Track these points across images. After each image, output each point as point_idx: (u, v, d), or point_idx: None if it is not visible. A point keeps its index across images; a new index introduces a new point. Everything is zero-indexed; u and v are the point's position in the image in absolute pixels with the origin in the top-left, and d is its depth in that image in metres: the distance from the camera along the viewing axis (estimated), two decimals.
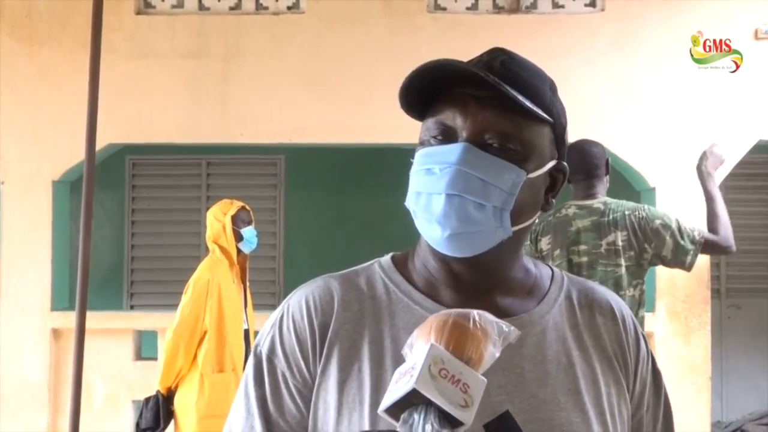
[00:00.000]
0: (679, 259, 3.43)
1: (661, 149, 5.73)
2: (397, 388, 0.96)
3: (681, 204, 5.43)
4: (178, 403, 4.43)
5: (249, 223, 4.58)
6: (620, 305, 1.25)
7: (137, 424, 4.54)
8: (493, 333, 1.00)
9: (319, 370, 1.14)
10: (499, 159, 1.10)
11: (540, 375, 1.13)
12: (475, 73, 1.09)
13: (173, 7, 5.94)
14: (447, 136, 1.12)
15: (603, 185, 3.56)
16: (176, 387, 4.44)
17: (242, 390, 1.18)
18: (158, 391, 4.44)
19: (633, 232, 3.42)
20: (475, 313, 1.01)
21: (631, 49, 5.77)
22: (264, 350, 1.17)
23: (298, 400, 1.14)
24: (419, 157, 1.13)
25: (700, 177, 3.68)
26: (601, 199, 3.51)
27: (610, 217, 3.43)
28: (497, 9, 5.89)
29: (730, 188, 7.24)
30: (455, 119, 1.11)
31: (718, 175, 5.69)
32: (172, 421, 4.48)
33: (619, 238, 3.41)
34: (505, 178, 1.10)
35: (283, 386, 1.15)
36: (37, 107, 5.84)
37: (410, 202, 1.14)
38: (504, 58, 1.14)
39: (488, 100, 1.10)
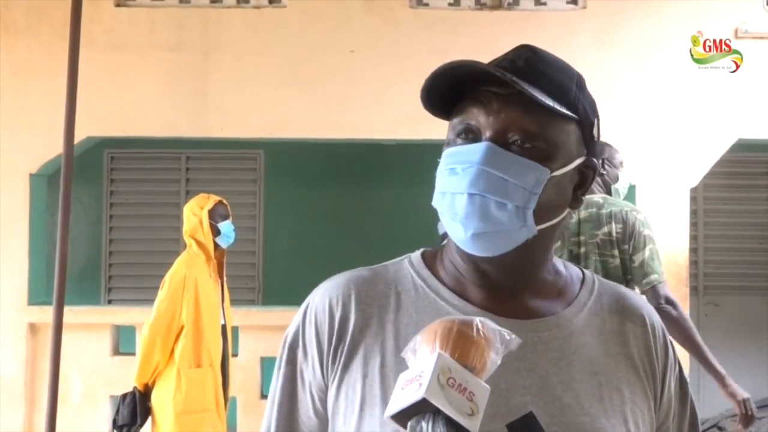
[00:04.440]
0: (642, 272, 3.44)
1: (640, 146, 5.75)
2: (404, 395, 0.95)
3: (659, 200, 5.45)
4: (156, 399, 4.40)
5: (226, 218, 4.57)
6: (650, 313, 1.24)
7: (114, 421, 4.50)
8: (496, 341, 1.00)
9: (339, 366, 1.14)
10: (523, 158, 1.09)
11: (565, 379, 1.12)
12: (493, 73, 1.08)
13: None
14: (471, 135, 1.12)
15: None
16: (153, 383, 4.41)
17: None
18: (135, 387, 4.41)
19: (628, 225, 3.47)
20: (478, 320, 1.01)
21: (612, 47, 5.79)
22: (288, 341, 1.21)
23: (314, 394, 1.17)
24: (444, 157, 1.13)
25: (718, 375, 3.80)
26: (601, 194, 3.59)
27: (608, 209, 3.50)
28: (479, 5, 5.89)
29: (708, 187, 7.30)
30: (479, 118, 1.11)
31: (697, 174, 5.76)
32: (150, 418, 4.46)
33: (615, 229, 3.47)
34: (529, 177, 1.09)
35: (298, 377, 1.18)
36: (14, 99, 5.77)
37: (436, 202, 1.14)
38: (529, 55, 1.14)
39: (511, 98, 1.09)
